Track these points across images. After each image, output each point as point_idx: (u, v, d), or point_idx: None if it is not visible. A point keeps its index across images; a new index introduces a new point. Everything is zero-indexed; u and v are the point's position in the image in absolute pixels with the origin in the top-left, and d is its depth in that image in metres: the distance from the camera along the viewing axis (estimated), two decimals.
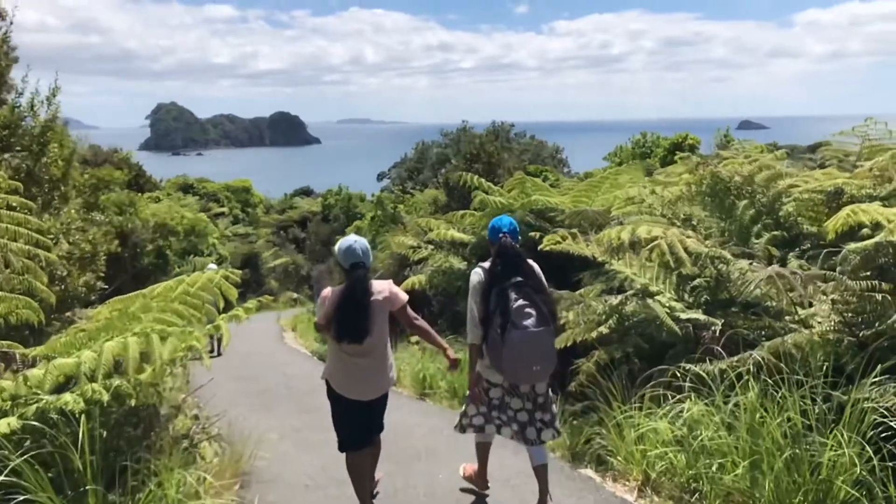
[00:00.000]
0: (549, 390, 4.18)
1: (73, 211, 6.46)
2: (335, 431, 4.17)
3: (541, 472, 4.14)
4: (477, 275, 4.09)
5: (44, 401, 3.23)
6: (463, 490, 4.78)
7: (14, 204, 4.25)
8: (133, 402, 3.54)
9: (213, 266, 14.44)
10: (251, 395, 8.66)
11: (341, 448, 4.16)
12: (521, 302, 3.83)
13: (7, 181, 4.47)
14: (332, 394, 4.11)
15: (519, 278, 3.91)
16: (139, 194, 17.58)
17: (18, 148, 6.24)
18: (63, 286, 6.00)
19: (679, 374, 4.93)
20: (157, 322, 4.05)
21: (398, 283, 11.10)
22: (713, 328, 5.31)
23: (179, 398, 4.69)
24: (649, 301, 5.78)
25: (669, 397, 4.94)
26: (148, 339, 3.57)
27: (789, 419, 3.87)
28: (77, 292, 6.21)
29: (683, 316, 5.55)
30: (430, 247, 11.71)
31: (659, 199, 7.37)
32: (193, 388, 9.39)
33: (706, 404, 4.61)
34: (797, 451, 3.76)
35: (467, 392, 4.29)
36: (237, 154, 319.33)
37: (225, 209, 41.77)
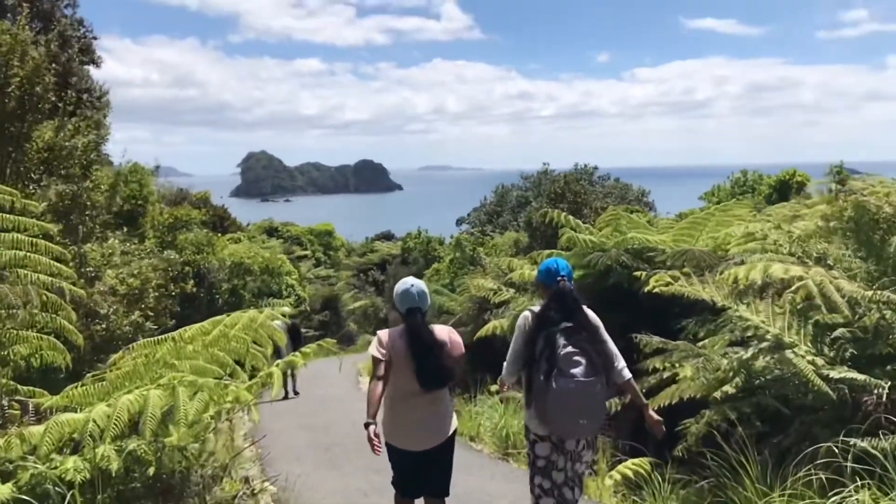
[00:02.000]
0: (587, 448, 3.83)
1: (115, 241, 6.01)
2: (392, 469, 3.99)
3: None
4: (524, 318, 3.90)
5: (38, 467, 2.54)
6: None
7: (46, 233, 3.74)
8: (152, 470, 2.84)
9: (279, 323, 13.93)
10: (319, 449, 7.93)
11: (394, 484, 3.99)
12: (570, 349, 3.60)
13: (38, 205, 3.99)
14: (390, 448, 3.91)
15: (569, 324, 3.69)
16: (219, 235, 17.62)
17: (62, 172, 5.90)
18: (105, 325, 5.53)
19: (836, 450, 3.87)
20: (193, 371, 3.36)
21: (478, 328, 9.94)
22: (878, 390, 4.19)
23: (226, 458, 3.95)
24: (788, 355, 4.70)
25: (824, 479, 3.87)
26: (174, 393, 2.86)
27: None
28: (123, 333, 5.72)
29: (835, 375, 4.44)
30: (512, 290, 10.88)
31: (786, 236, 6.27)
32: (251, 440, 8.79)
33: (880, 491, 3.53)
34: None
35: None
36: (323, 200, 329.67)
37: (308, 252, 42.23)
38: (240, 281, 16.16)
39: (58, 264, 3.68)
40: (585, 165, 38.35)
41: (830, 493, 3.61)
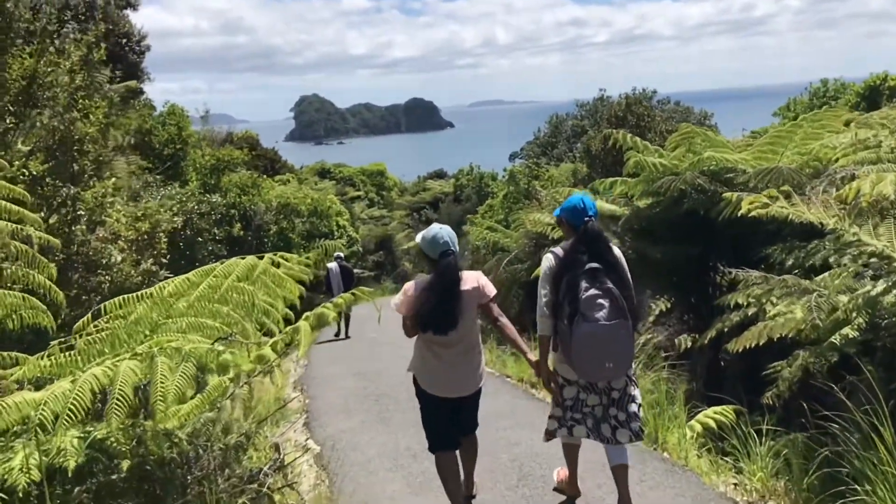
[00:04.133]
0: (630, 385, 3.78)
1: (110, 182, 5.36)
2: (424, 430, 4.01)
3: (619, 472, 3.77)
4: (548, 260, 3.77)
5: None
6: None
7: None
8: (126, 464, 2.23)
9: (332, 265, 13.56)
10: (368, 399, 7.42)
11: (431, 449, 3.98)
12: (592, 291, 3.52)
13: None
14: (419, 391, 3.94)
15: (595, 265, 3.57)
16: (264, 177, 17.15)
17: (48, 103, 5.27)
18: (110, 276, 5.00)
19: None
20: (189, 330, 2.71)
21: (535, 266, 8.90)
22: None
23: (248, 426, 3.36)
24: None
25: None
26: (152, 364, 2.22)
27: None
28: (134, 284, 5.18)
29: None
30: None
31: None
32: (300, 388, 8.34)
33: None
34: None
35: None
36: (375, 141, 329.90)
37: (360, 193, 41.91)
38: (288, 223, 15.74)
39: (20, 208, 3.08)
40: (644, 89, 36.26)
41: None
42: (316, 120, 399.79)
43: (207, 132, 19.03)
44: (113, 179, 5.37)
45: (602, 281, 3.53)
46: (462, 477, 4.02)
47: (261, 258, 3.12)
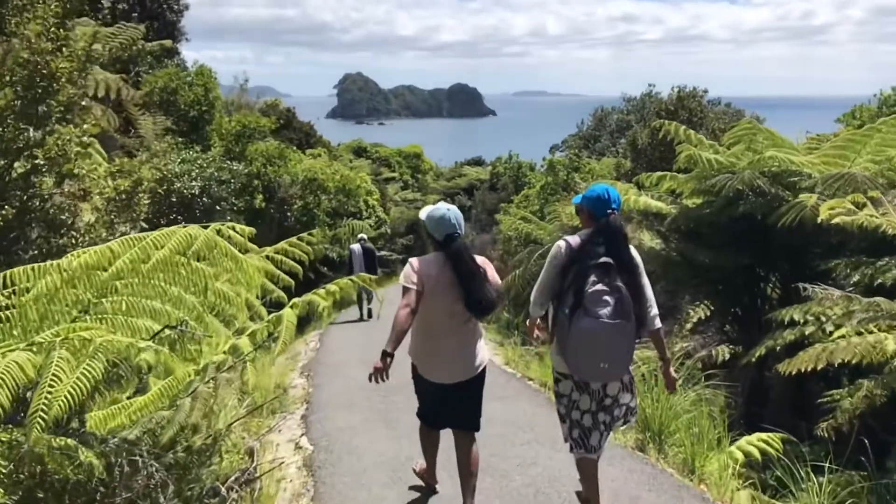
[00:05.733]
0: (623, 393, 3.61)
1: (77, 129, 4.69)
2: (417, 399, 3.97)
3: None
4: (558, 248, 3.60)
5: None
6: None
7: None
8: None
9: (355, 246, 13.05)
10: (376, 395, 6.81)
11: (419, 415, 3.97)
12: (600, 286, 3.35)
13: None
14: (416, 375, 3.85)
15: (610, 260, 3.39)
16: (294, 149, 16.59)
17: (16, 29, 4.69)
18: (75, 237, 4.42)
19: None
20: (132, 314, 2.14)
21: None
22: None
23: (219, 426, 2.80)
24: None
25: None
26: (48, 360, 1.63)
27: None
28: None
29: None
30: None
31: None
32: (307, 375, 7.75)
33: None
34: None
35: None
36: (416, 124, 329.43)
37: (395, 174, 41.40)
38: (314, 198, 15.18)
39: None
40: (694, 88, 34.92)
41: None
42: (358, 99, 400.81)
43: (237, 97, 18.56)
44: (86, 126, 4.77)
45: (613, 278, 3.37)
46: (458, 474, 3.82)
47: (206, 228, 2.52)
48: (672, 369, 3.76)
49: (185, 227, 2.45)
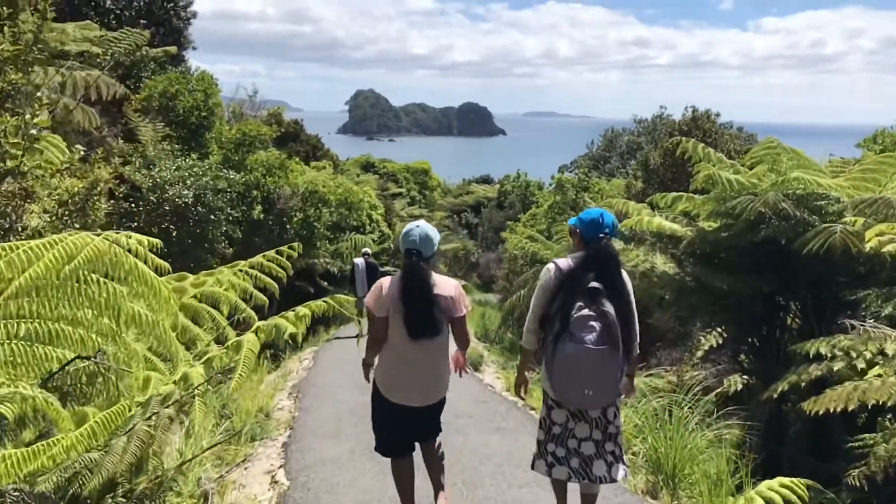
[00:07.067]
0: (618, 417, 3.50)
1: (14, 119, 4.11)
2: (374, 431, 3.83)
3: (590, 502, 3.59)
4: (548, 272, 3.52)
5: None
6: None
7: None
8: None
9: (358, 261, 12.65)
10: (365, 422, 6.35)
11: (378, 450, 3.83)
12: (586, 311, 3.27)
13: None
14: (376, 393, 3.73)
15: (599, 286, 3.30)
16: (297, 160, 16.20)
17: None
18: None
19: None
20: (37, 339, 1.69)
21: None
22: None
23: (165, 467, 2.34)
24: None
25: None
26: None
27: None
28: None
29: None
30: (620, 241, 8.85)
31: None
32: (295, 396, 7.25)
33: None
34: None
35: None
36: (426, 142, 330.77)
37: (402, 190, 41.11)
38: (314, 211, 14.76)
39: None
40: (707, 111, 34.57)
41: None
42: (370, 115, 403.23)
43: (237, 105, 18.19)
44: (28, 116, 4.30)
45: (600, 303, 3.30)
46: (430, 483, 3.82)
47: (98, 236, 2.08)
48: (634, 381, 3.73)
49: (75, 234, 2.01)
